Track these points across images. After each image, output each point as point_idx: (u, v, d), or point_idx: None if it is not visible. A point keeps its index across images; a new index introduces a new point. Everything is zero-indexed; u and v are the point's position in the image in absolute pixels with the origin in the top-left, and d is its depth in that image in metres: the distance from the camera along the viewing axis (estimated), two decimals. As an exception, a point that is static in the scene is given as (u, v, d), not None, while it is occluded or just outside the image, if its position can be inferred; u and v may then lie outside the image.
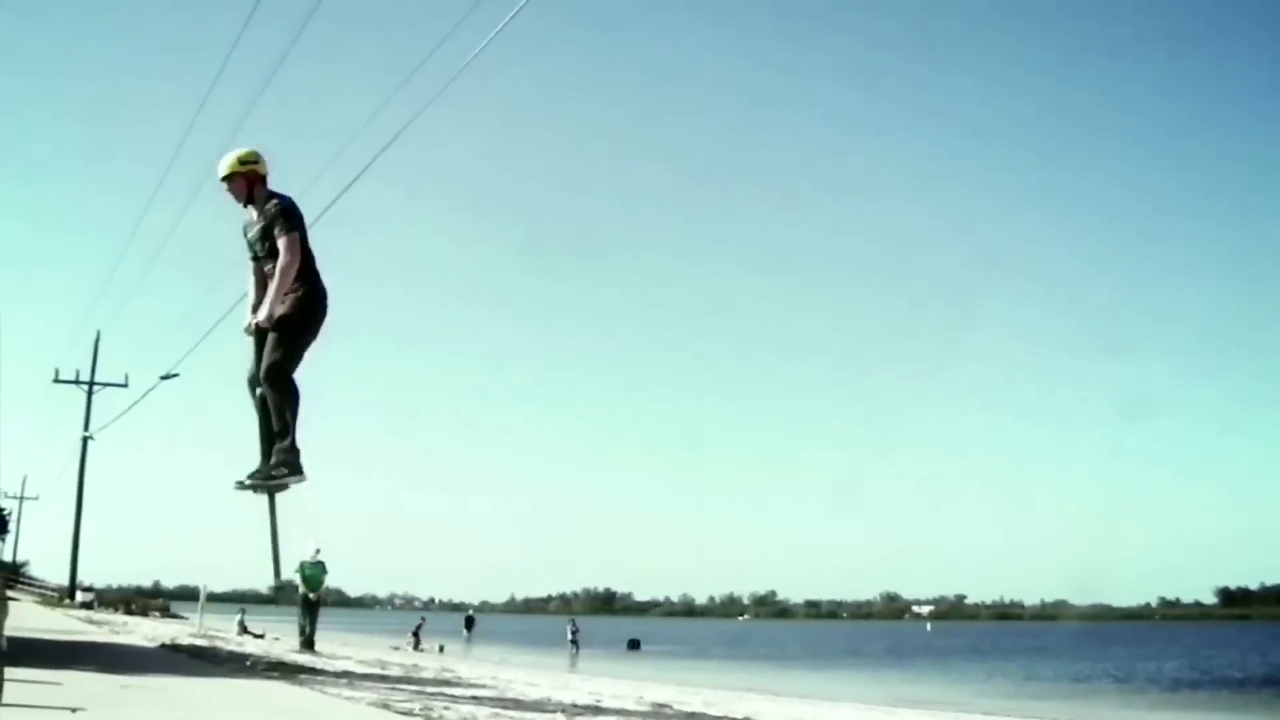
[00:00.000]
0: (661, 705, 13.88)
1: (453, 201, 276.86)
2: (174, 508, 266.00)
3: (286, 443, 7.01)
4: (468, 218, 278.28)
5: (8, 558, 62.51)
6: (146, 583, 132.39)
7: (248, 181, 7.16)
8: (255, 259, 7.31)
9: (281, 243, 6.98)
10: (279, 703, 9.88)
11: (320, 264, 7.24)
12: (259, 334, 7.12)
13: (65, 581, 50.86)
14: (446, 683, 15.09)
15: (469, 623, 53.91)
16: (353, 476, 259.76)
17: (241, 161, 7.16)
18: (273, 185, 7.29)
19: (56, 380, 49.13)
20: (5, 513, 60.08)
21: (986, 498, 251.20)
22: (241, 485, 7.16)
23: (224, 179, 7.19)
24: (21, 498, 74.08)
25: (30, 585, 62.60)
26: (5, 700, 5.44)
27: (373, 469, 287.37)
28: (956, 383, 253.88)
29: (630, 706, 13.34)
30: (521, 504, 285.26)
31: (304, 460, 7.09)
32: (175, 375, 24.54)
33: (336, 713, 9.36)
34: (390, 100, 10.78)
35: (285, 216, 7.05)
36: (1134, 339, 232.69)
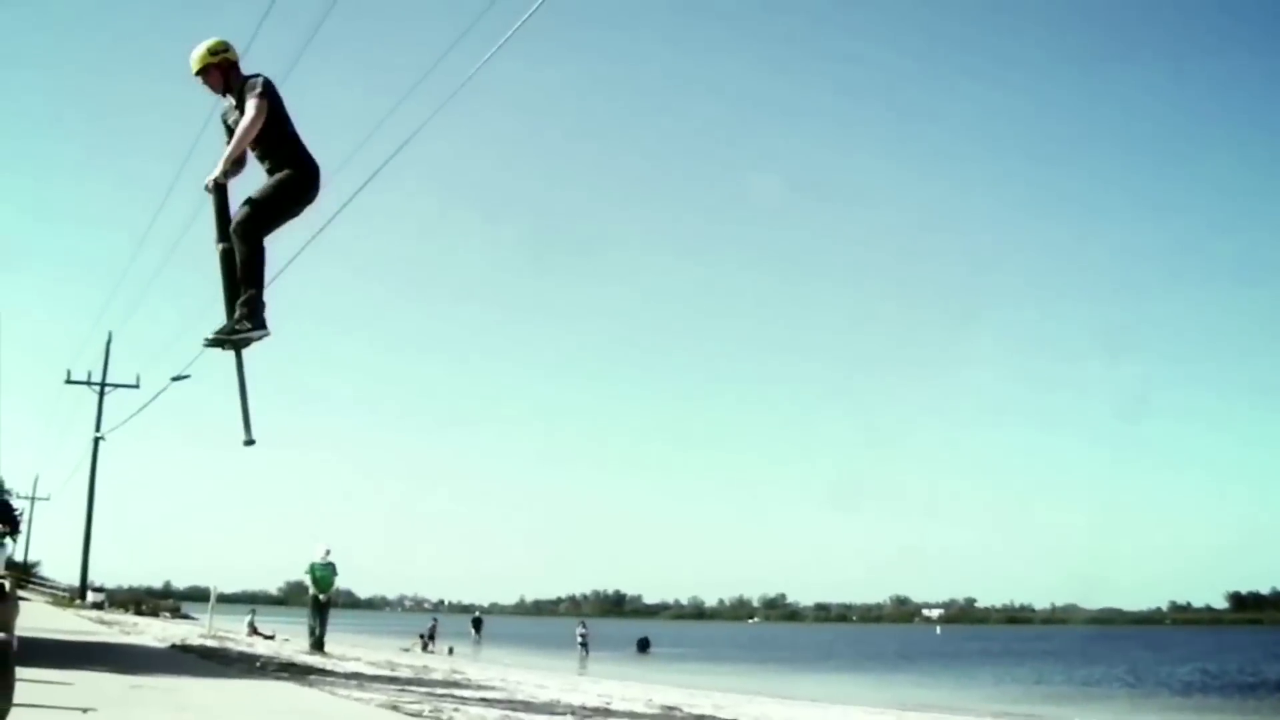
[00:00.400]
0: (671, 708, 13.88)
1: (462, 206, 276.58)
2: (184, 509, 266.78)
3: (249, 296, 7.00)
4: (475, 220, 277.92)
5: (19, 558, 62.72)
6: (157, 583, 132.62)
7: (221, 71, 7.10)
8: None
9: (250, 103, 6.92)
10: (289, 704, 9.91)
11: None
12: (218, 191, 7.10)
13: (76, 582, 51.02)
14: (456, 684, 15.10)
15: (477, 624, 53.92)
16: (363, 478, 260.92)
17: (212, 52, 7.07)
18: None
19: (68, 381, 49.34)
20: (17, 513, 60.28)
21: (996, 501, 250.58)
22: (208, 342, 7.14)
23: (197, 73, 7.10)
24: (33, 498, 74.21)
25: (41, 585, 62.81)
26: (17, 700, 5.45)
27: (383, 471, 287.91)
28: (965, 385, 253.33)
29: (640, 709, 13.34)
30: (531, 506, 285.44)
31: (268, 315, 7.10)
32: (187, 377, 24.45)
33: (346, 714, 9.38)
34: (401, 102, 10.76)
35: (262, 85, 7.01)
36: (1143, 342, 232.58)
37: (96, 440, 47.96)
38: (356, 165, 10.54)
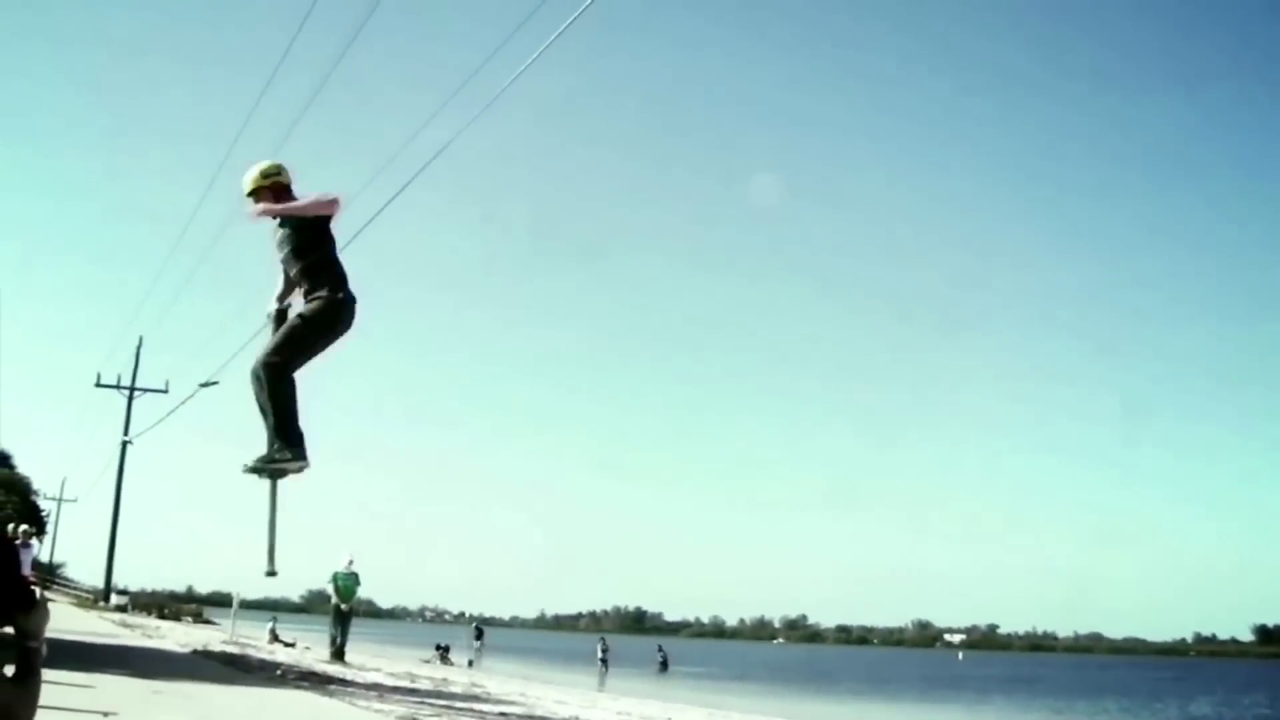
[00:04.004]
0: (691, 728, 13.80)
1: (481, 208, 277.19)
2: (210, 514, 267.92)
3: (286, 428, 6.98)
4: (491, 224, 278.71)
5: (45, 559, 63.21)
6: (180, 587, 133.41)
7: (274, 194, 7.17)
8: (292, 254, 7.26)
9: (318, 194, 7.08)
10: (309, 713, 9.89)
11: (350, 266, 7.21)
12: (279, 319, 7.17)
13: (100, 584, 51.32)
14: (475, 698, 15.06)
15: (478, 634, 53.94)
16: (386, 489, 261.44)
17: (265, 175, 7.20)
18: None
19: (98, 384, 49.68)
20: (44, 514, 60.76)
21: (1020, 527, 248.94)
22: (247, 469, 7.10)
23: (249, 194, 7.21)
24: (60, 499, 75.01)
25: (65, 587, 63.26)
26: (40, 702, 5.46)
27: (407, 482, 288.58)
28: (978, 413, 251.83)
29: (659, 728, 13.27)
30: (554, 520, 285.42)
31: (309, 448, 7.05)
32: (215, 383, 24.68)
33: (366, 725, 9.35)
34: (440, 111, 10.81)
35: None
36: (1127, 370, 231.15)
37: (124, 444, 48.26)
38: (385, 174, 10.59)
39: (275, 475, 7.13)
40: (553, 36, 8.62)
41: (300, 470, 7.09)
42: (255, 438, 7.14)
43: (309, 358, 7.12)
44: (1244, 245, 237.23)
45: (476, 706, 12.95)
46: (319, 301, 7.00)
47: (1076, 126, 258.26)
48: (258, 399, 7.04)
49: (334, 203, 7.10)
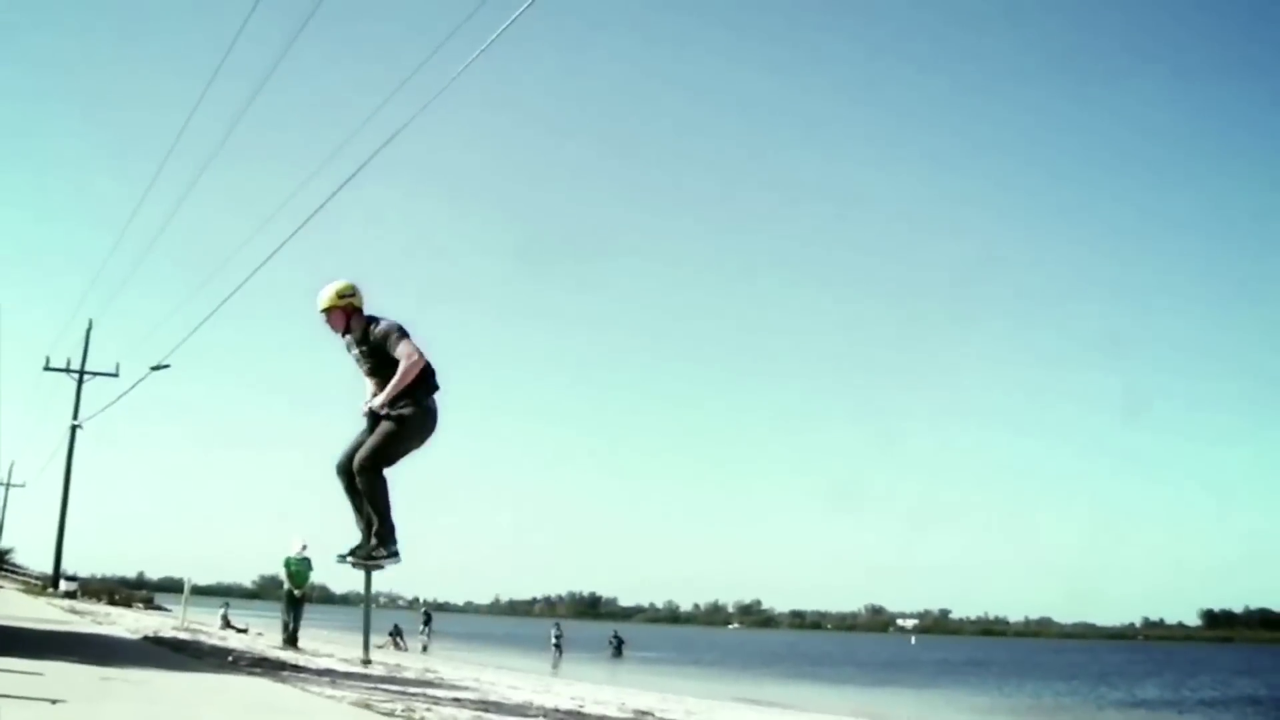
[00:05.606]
0: (644, 713, 13.84)
1: (445, 201, 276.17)
2: (161, 499, 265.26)
3: (381, 526, 7.64)
4: (459, 217, 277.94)
5: (-8, 544, 62.31)
6: (130, 573, 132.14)
7: (345, 314, 7.73)
8: (370, 373, 7.85)
9: (400, 349, 7.55)
10: (260, 700, 9.83)
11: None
12: (372, 418, 7.69)
13: (49, 570, 50.64)
14: (429, 683, 15.02)
15: (427, 619, 53.80)
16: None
17: (340, 295, 7.72)
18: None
19: (47, 368, 48.94)
20: (-9, 499, 59.79)
21: (971, 514, 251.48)
22: (342, 559, 7.77)
23: (322, 311, 7.72)
24: (8, 484, 74.10)
25: (14, 573, 62.42)
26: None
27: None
28: (949, 398, 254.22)
29: (612, 713, 13.29)
30: (508, 506, 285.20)
31: (399, 542, 7.76)
32: (166, 366, 24.55)
33: (318, 711, 9.31)
34: (389, 99, 10.75)
35: (397, 331, 7.65)
36: (1125, 358, 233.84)
37: (74, 428, 47.66)
38: (340, 161, 10.51)
39: (370, 569, 7.81)
40: (509, 20, 8.61)
41: (393, 565, 7.77)
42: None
43: (397, 458, 7.72)
44: (1244, 239, 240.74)
45: (430, 692, 12.92)
46: (408, 410, 7.59)
47: (1074, 117, 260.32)
48: (348, 494, 7.73)
49: (416, 364, 7.52)
